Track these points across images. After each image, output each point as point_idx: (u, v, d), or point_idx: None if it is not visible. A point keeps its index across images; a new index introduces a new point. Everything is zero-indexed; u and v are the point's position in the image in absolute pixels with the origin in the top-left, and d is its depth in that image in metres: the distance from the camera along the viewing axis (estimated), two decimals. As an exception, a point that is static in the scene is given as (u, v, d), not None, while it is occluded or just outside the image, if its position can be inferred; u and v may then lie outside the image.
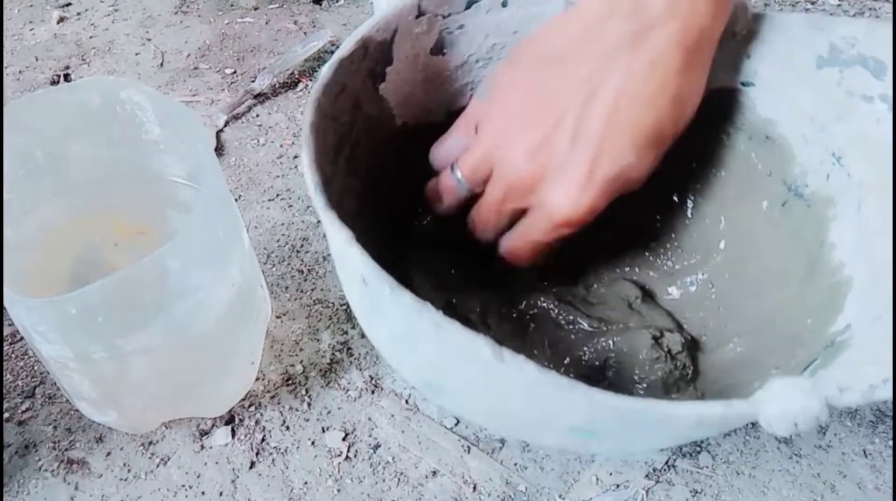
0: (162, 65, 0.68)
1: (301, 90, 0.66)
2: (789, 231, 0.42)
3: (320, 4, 0.77)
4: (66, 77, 0.66)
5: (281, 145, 0.61)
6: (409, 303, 0.28)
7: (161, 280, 0.34)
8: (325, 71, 0.37)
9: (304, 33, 0.72)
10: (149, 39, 0.70)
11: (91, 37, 0.70)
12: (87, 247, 0.45)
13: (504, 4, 0.43)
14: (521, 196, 0.40)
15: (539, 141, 0.38)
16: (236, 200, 0.56)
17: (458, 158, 0.42)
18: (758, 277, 0.43)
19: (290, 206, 0.56)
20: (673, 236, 0.48)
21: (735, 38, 0.41)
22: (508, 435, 0.43)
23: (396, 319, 0.32)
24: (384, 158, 0.43)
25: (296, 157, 0.60)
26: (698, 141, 0.43)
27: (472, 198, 0.43)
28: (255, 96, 0.65)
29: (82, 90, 0.40)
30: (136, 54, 0.69)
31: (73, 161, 0.42)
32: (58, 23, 0.72)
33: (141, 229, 0.45)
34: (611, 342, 0.43)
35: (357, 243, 0.30)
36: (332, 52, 0.70)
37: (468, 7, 0.43)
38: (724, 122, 0.44)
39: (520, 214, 0.41)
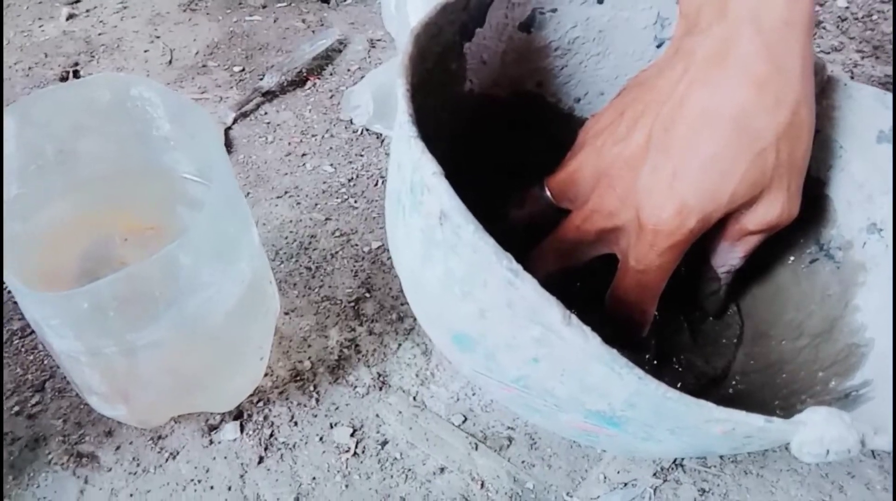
0: (171, 62, 0.68)
1: (309, 89, 0.66)
2: (813, 288, 0.42)
3: (328, 3, 0.77)
4: (76, 74, 0.66)
5: (289, 143, 0.61)
6: (491, 246, 0.29)
7: (171, 276, 0.34)
8: (429, 12, 0.38)
9: (313, 32, 0.73)
10: (157, 37, 0.71)
11: (100, 34, 0.71)
12: (97, 242, 0.45)
13: (600, 1, 0.44)
14: (610, 211, 0.39)
15: (625, 150, 0.38)
16: (245, 196, 0.56)
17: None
18: (772, 324, 0.43)
19: (298, 203, 0.56)
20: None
21: None
22: (518, 412, 0.43)
23: (464, 261, 0.32)
24: (441, 115, 0.43)
25: (304, 155, 0.60)
26: None
27: (550, 224, 0.42)
28: (264, 94, 0.65)
29: (92, 86, 0.40)
30: (145, 51, 0.69)
31: (83, 157, 0.42)
32: (67, 19, 0.72)
33: (151, 225, 0.45)
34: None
35: (445, 178, 0.31)
36: (341, 51, 0.71)
37: None
38: None
39: (605, 241, 0.40)
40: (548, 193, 0.42)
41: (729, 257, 0.41)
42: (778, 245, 0.44)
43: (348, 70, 0.69)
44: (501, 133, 0.48)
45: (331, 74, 0.68)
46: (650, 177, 0.37)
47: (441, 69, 0.42)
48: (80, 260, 0.45)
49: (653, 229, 0.37)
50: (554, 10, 0.45)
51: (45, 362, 0.46)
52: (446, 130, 0.44)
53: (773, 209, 0.38)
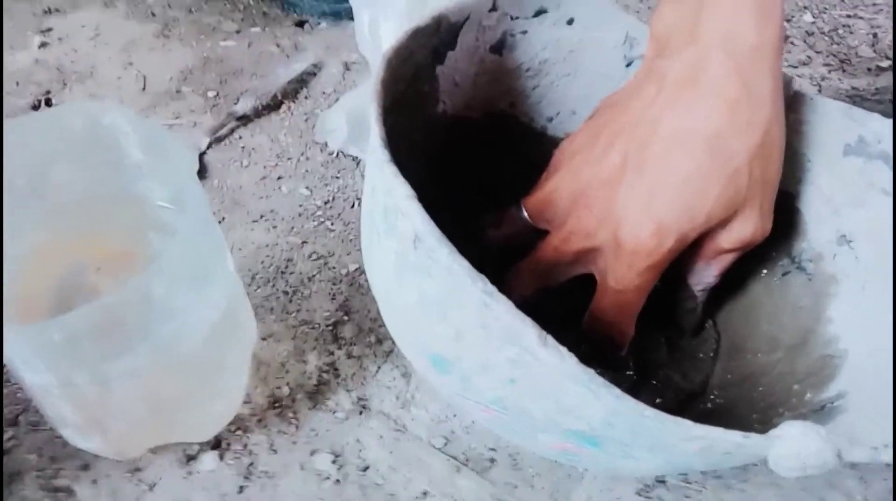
0: (144, 88, 0.68)
1: (284, 112, 0.66)
2: (786, 301, 0.43)
3: (303, 27, 0.77)
4: (48, 102, 0.66)
5: (264, 167, 0.61)
6: (465, 269, 0.29)
7: (145, 304, 0.34)
8: (401, 36, 0.39)
9: (287, 56, 0.73)
10: (131, 63, 0.70)
11: (73, 62, 0.70)
12: (70, 271, 0.45)
13: (570, 22, 0.45)
14: (588, 232, 0.39)
15: (601, 171, 0.38)
16: (220, 222, 0.56)
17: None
18: (747, 338, 0.44)
19: (275, 227, 0.56)
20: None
21: None
22: (498, 433, 0.42)
23: (439, 283, 0.32)
24: (415, 136, 0.44)
25: (279, 178, 0.60)
26: None
27: (526, 244, 0.42)
28: (238, 119, 0.65)
29: (64, 115, 0.40)
30: (118, 78, 0.69)
31: (55, 186, 0.42)
32: (39, 48, 0.72)
33: (123, 252, 0.45)
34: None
35: (418, 201, 0.31)
36: (315, 74, 0.71)
37: (536, 15, 0.44)
38: None
39: (582, 261, 0.40)
40: (525, 213, 0.43)
41: (705, 275, 0.41)
42: (751, 259, 0.44)
43: (323, 93, 0.69)
44: (476, 153, 0.48)
45: (306, 98, 0.69)
46: (627, 197, 0.37)
47: (414, 92, 0.42)
48: (55, 290, 0.45)
49: (631, 249, 0.37)
50: (524, 33, 0.45)
51: (18, 394, 0.45)
52: (421, 152, 0.44)
53: (748, 227, 0.38)
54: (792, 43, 0.76)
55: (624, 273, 0.38)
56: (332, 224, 0.56)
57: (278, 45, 0.74)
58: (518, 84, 0.47)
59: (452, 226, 0.46)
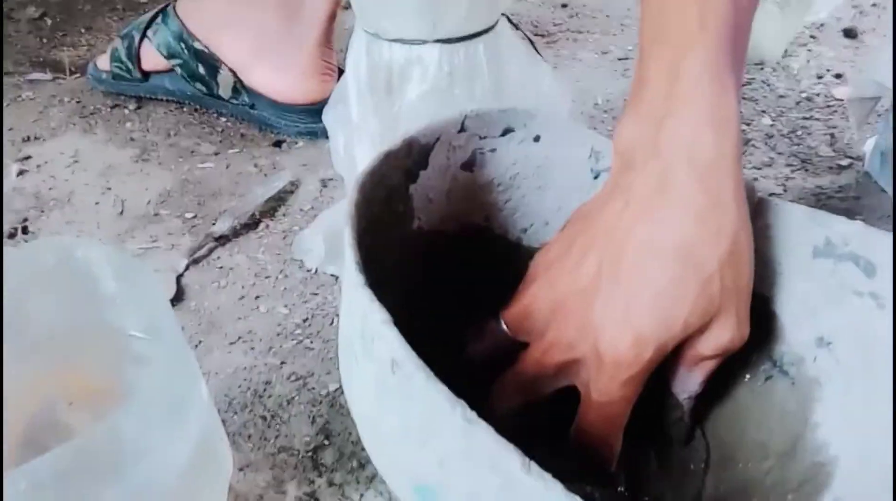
0: (122, 213, 0.68)
1: (262, 231, 0.67)
2: (772, 406, 0.43)
3: (280, 147, 0.79)
4: (24, 230, 0.66)
5: (242, 287, 0.61)
6: (444, 394, 0.28)
7: (116, 445, 0.33)
8: (373, 160, 0.40)
9: (265, 175, 0.74)
10: (109, 188, 0.71)
11: (51, 188, 0.71)
12: (41, 407, 0.44)
13: (536, 139, 0.46)
14: (567, 343, 0.39)
15: (578, 284, 0.39)
16: (196, 345, 0.55)
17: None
18: (736, 446, 0.43)
19: (252, 348, 0.55)
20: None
21: None
22: None
23: (418, 410, 0.31)
24: (392, 254, 0.44)
25: (257, 298, 0.60)
26: None
27: (508, 358, 0.42)
28: (217, 239, 0.65)
29: (38, 251, 0.40)
30: (96, 204, 0.69)
31: (28, 321, 0.41)
32: (17, 176, 0.73)
33: (97, 386, 0.44)
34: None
35: (394, 327, 0.30)
36: (293, 192, 0.72)
37: (504, 134, 0.46)
38: None
39: (564, 373, 0.40)
40: (504, 326, 0.42)
41: (689, 383, 0.41)
42: (733, 365, 0.44)
43: (301, 210, 0.70)
44: (453, 266, 0.49)
45: (284, 215, 0.69)
46: (604, 308, 0.37)
47: (388, 211, 0.43)
48: (25, 427, 0.43)
49: (612, 360, 0.37)
50: (493, 150, 0.46)
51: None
52: (398, 268, 0.44)
53: (725, 334, 0.38)
54: (753, 145, 0.79)
55: (606, 385, 0.38)
56: (311, 342, 0.56)
57: (256, 165, 0.76)
58: (491, 198, 0.48)
59: (432, 342, 0.46)
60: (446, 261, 0.48)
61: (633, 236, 0.38)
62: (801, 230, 0.43)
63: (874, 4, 1.09)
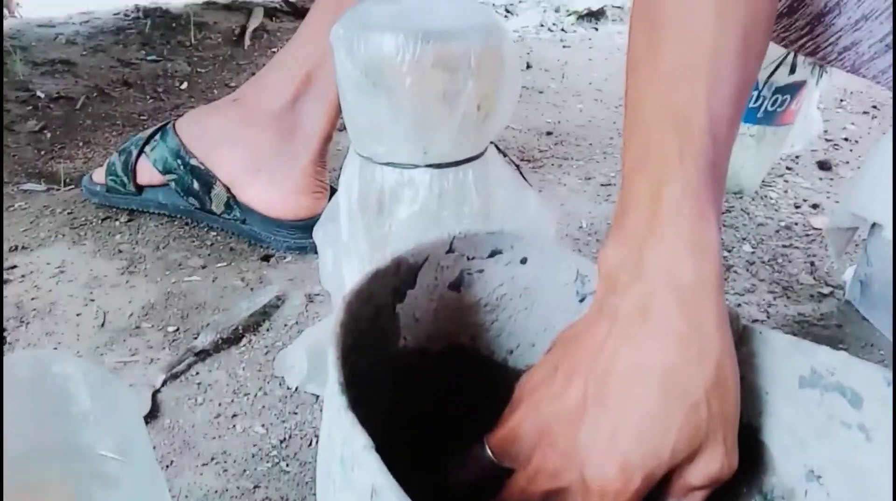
0: (103, 325, 0.68)
1: (244, 346, 0.66)
2: None
3: (268, 261, 0.80)
4: (2, 340, 0.65)
5: (220, 404, 0.59)
6: None
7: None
8: (361, 278, 0.39)
9: (251, 289, 0.74)
10: (92, 300, 0.71)
11: (33, 298, 0.70)
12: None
13: (523, 261, 0.47)
14: (554, 471, 0.38)
15: (562, 409, 0.38)
16: (168, 466, 0.53)
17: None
18: None
19: (226, 470, 0.53)
20: None
21: None
22: None
23: None
24: (376, 372, 0.43)
25: (234, 416, 0.58)
26: None
27: (493, 486, 0.41)
28: (197, 354, 0.64)
29: (13, 366, 0.39)
30: (78, 315, 0.69)
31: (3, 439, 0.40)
32: (1, 285, 0.72)
33: (61, 508, 0.42)
34: None
35: (376, 453, 0.29)
36: (279, 307, 0.71)
37: (491, 256, 0.46)
38: None
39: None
40: (489, 452, 0.41)
41: None
42: (723, 497, 0.43)
43: (285, 325, 0.70)
44: (438, 386, 0.48)
45: (267, 330, 0.69)
46: (591, 435, 0.37)
47: (374, 329, 0.43)
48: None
49: (598, 489, 0.36)
50: (480, 271, 0.47)
51: None
52: (382, 387, 0.44)
53: (714, 463, 0.37)
54: (735, 272, 0.81)
55: None
56: (287, 465, 0.54)
57: (243, 279, 0.76)
58: (477, 318, 0.48)
59: (415, 466, 0.44)
60: (432, 381, 0.48)
61: (618, 360, 0.37)
62: (786, 359, 0.43)
63: (846, 139, 1.15)
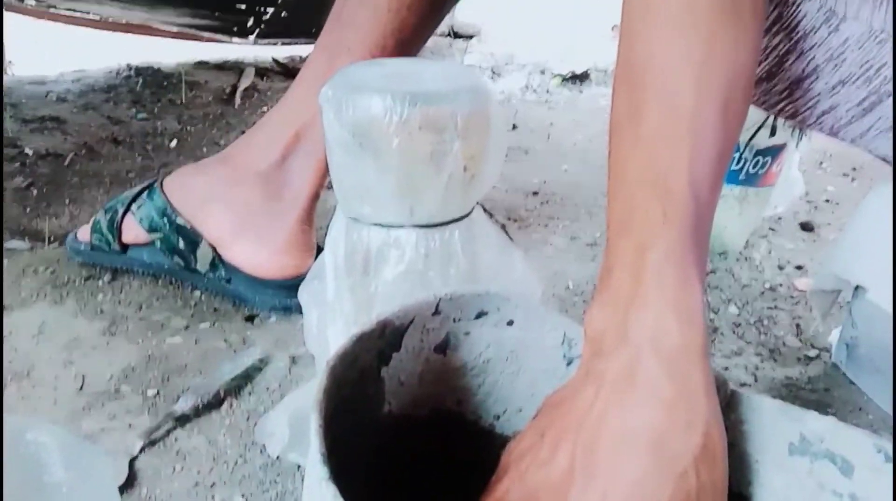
0: (81, 388, 0.66)
1: (225, 410, 0.65)
2: None
3: (252, 322, 0.79)
4: (-24, 404, 0.63)
5: (198, 472, 0.57)
6: None
7: None
8: (345, 342, 0.39)
9: (234, 351, 0.73)
10: (71, 362, 0.69)
11: (10, 361, 0.69)
12: None
13: (510, 323, 0.46)
14: None
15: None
16: (143, 539, 0.51)
17: None
18: None
19: (204, 543, 0.51)
20: None
21: None
22: None
23: None
24: (359, 438, 0.41)
25: (213, 485, 0.56)
26: None
27: None
28: (177, 419, 0.62)
29: (-16, 433, 0.38)
30: (56, 378, 0.67)
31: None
32: (-22, 347, 0.71)
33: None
34: None
35: None
36: (262, 369, 0.70)
37: (477, 317, 0.46)
38: None
39: None
40: None
41: None
42: None
43: (268, 389, 0.68)
44: (423, 454, 0.47)
45: (250, 394, 0.67)
46: None
47: (358, 394, 0.42)
48: None
49: None
50: (467, 334, 0.46)
51: None
52: (365, 454, 0.43)
53: None
54: (722, 334, 0.80)
55: None
56: (267, 537, 0.52)
57: (226, 341, 0.75)
58: (463, 382, 0.48)
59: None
60: (418, 448, 0.47)
61: (605, 425, 0.37)
62: (774, 426, 0.42)
63: (827, 200, 1.17)
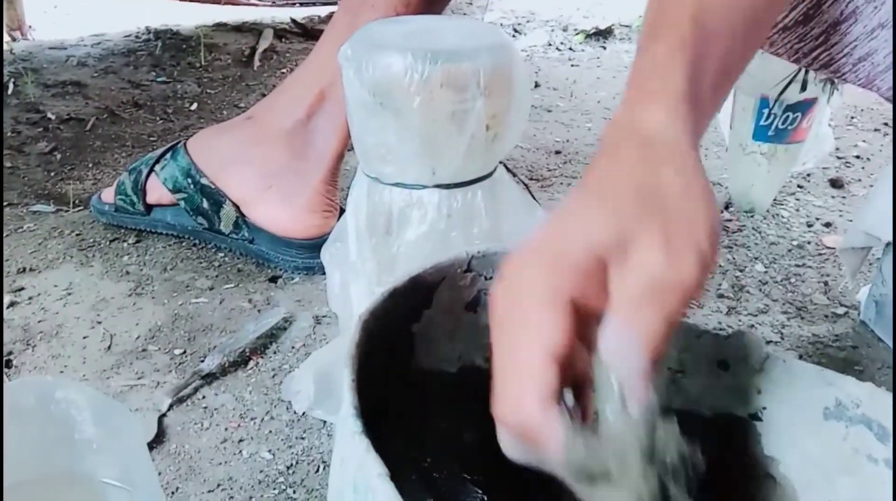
0: (110, 348, 0.67)
1: (251, 369, 0.66)
2: None
3: (276, 282, 0.79)
4: (8, 364, 0.64)
5: (226, 429, 0.58)
6: None
7: None
8: (377, 297, 0.38)
9: (258, 311, 0.74)
10: (99, 322, 0.70)
11: (40, 321, 0.70)
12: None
13: None
14: None
15: None
16: (173, 493, 0.52)
17: None
18: None
19: (231, 497, 0.52)
20: None
21: (747, 369, 0.43)
22: None
23: None
24: (389, 394, 0.41)
25: (241, 441, 0.57)
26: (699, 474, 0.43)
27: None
28: (203, 377, 0.63)
29: (17, 392, 0.38)
30: (84, 337, 0.68)
31: (6, 466, 0.39)
32: (8, 307, 0.72)
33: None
34: None
35: (391, 482, 0.29)
36: (286, 329, 0.71)
37: None
38: (729, 453, 0.43)
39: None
40: None
41: (623, 344, 0.33)
42: None
43: (293, 348, 0.69)
44: (452, 408, 0.47)
45: (275, 353, 0.68)
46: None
47: (388, 351, 0.42)
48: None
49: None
50: None
51: None
52: (394, 410, 0.43)
53: (648, 258, 0.32)
54: (748, 292, 0.79)
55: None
56: (294, 492, 0.53)
57: (250, 301, 0.75)
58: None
59: (427, 492, 0.43)
60: (446, 403, 0.47)
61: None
62: (811, 390, 0.41)
63: (857, 156, 1.14)
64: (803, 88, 0.86)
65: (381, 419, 0.42)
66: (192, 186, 0.82)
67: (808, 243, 0.89)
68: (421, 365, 0.45)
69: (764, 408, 0.42)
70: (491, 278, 0.45)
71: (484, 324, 0.46)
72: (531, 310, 0.32)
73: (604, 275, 0.32)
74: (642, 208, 0.33)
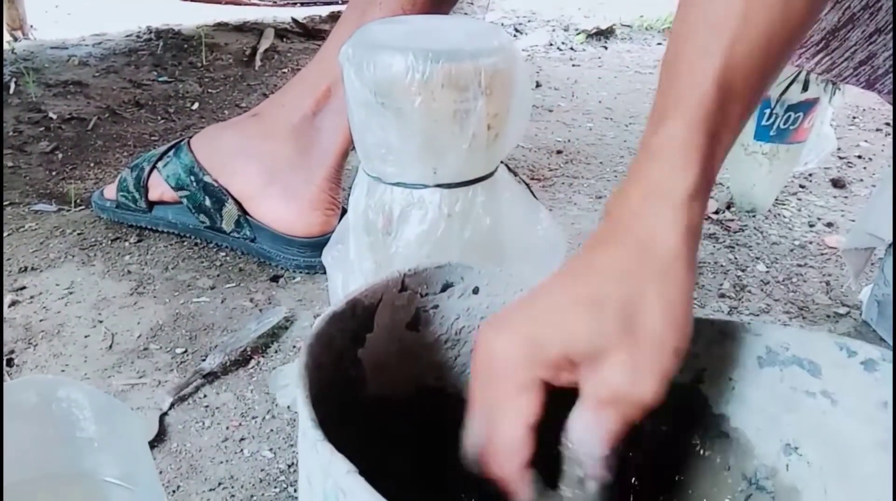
0: (111, 347, 0.67)
1: (252, 367, 0.66)
2: None
3: (277, 281, 0.79)
4: (10, 362, 0.64)
5: (227, 427, 0.58)
6: None
7: None
8: (319, 321, 0.39)
9: (260, 310, 0.74)
10: (100, 321, 0.70)
11: (41, 320, 0.70)
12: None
13: (475, 291, 0.46)
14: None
15: None
16: (174, 491, 0.52)
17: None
18: None
19: (233, 496, 0.52)
20: None
21: None
22: None
23: None
24: (347, 424, 0.41)
25: (242, 440, 0.57)
26: (656, 446, 0.44)
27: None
28: (205, 376, 0.63)
29: (19, 390, 0.38)
30: (86, 336, 0.68)
31: (6, 465, 0.39)
32: (9, 306, 0.72)
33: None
34: None
35: (361, 477, 0.29)
36: (287, 328, 0.71)
37: (443, 290, 0.45)
38: (679, 421, 0.45)
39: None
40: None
41: (585, 435, 0.38)
42: (710, 488, 0.44)
43: (294, 347, 0.69)
44: (412, 432, 0.47)
45: (276, 352, 0.68)
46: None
47: (340, 376, 0.41)
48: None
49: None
50: (435, 307, 0.45)
51: None
52: (354, 442, 0.42)
53: (616, 373, 0.36)
54: (750, 292, 0.79)
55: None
56: (295, 491, 0.53)
57: (252, 300, 0.75)
58: (439, 356, 0.47)
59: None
60: (404, 426, 0.46)
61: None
62: (740, 343, 0.43)
63: (859, 156, 1.14)
64: (805, 88, 0.86)
65: (339, 445, 0.42)
66: (194, 184, 0.82)
67: (810, 243, 0.89)
68: (373, 391, 0.44)
69: (704, 370, 0.44)
70: (426, 294, 0.45)
71: (427, 342, 0.46)
72: (511, 393, 0.38)
73: (574, 368, 0.37)
74: (620, 327, 0.37)
